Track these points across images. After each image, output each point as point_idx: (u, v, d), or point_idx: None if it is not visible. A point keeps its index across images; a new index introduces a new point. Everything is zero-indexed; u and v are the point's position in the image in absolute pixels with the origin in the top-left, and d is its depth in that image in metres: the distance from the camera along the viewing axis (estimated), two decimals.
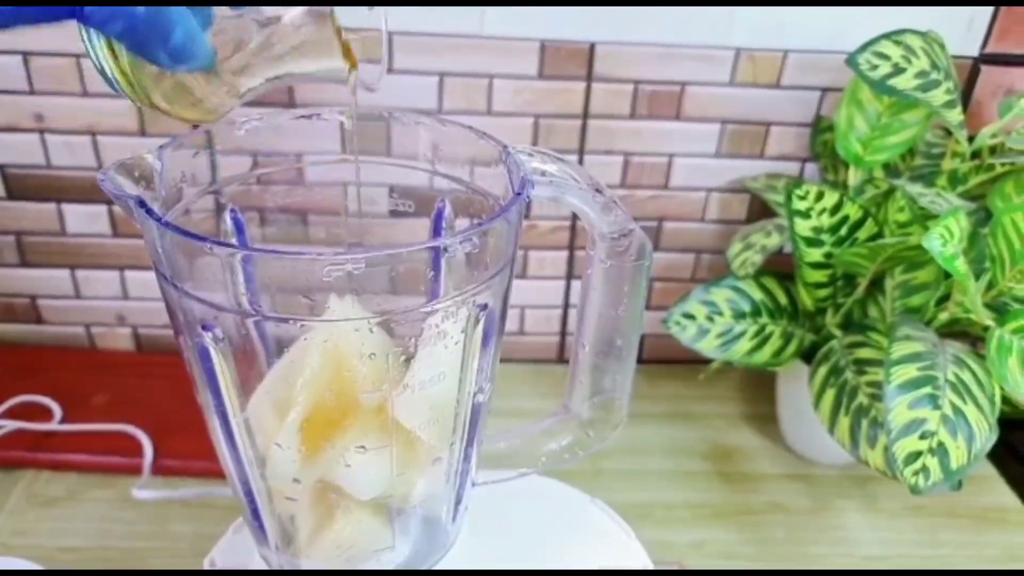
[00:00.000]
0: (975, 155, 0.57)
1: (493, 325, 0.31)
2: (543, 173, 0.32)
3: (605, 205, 0.33)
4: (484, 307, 0.30)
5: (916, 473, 0.45)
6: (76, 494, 0.59)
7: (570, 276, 0.73)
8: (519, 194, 0.29)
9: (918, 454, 0.45)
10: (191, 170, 0.33)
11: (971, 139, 0.56)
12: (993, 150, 0.57)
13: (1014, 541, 0.61)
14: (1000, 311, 0.50)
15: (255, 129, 0.34)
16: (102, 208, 0.67)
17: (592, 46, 0.63)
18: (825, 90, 0.66)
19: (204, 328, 0.28)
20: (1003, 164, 0.52)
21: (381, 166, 0.36)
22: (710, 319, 0.57)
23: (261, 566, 0.37)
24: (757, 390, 0.74)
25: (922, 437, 0.46)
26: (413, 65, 0.62)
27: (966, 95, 0.67)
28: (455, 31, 0.62)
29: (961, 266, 0.44)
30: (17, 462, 0.60)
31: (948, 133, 0.63)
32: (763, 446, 0.69)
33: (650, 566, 0.42)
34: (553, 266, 0.73)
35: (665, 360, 0.75)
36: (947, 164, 0.56)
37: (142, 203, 0.27)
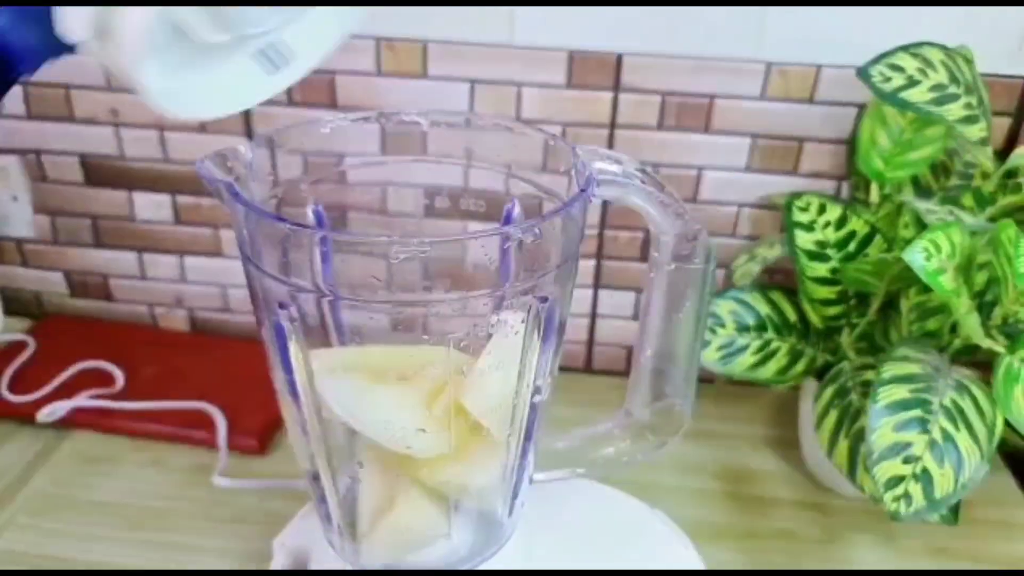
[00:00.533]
0: (1011, 175, 0.54)
1: (553, 320, 0.32)
2: (607, 172, 0.33)
3: (669, 207, 0.34)
4: (544, 300, 0.31)
5: (897, 499, 0.43)
6: (160, 461, 0.64)
7: (597, 286, 0.74)
8: (583, 190, 0.30)
9: (900, 479, 0.43)
10: (278, 164, 0.36)
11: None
12: None
13: None
14: (1013, 337, 0.47)
15: (339, 129, 0.36)
16: (166, 197, 0.74)
17: (619, 57, 0.64)
18: (862, 107, 0.64)
19: (281, 307, 0.30)
20: None
21: (455, 167, 0.38)
22: (712, 331, 0.56)
23: (327, 550, 0.38)
24: (785, 413, 0.72)
25: (905, 461, 0.43)
26: (446, 72, 0.65)
27: (1019, 116, 0.63)
28: (486, 40, 0.64)
29: (947, 283, 0.41)
30: (77, 424, 0.66)
31: (994, 153, 0.60)
32: (782, 471, 0.66)
33: None
34: (581, 275, 0.73)
35: (704, 380, 0.74)
36: (977, 184, 0.54)
37: (231, 188, 0.29)
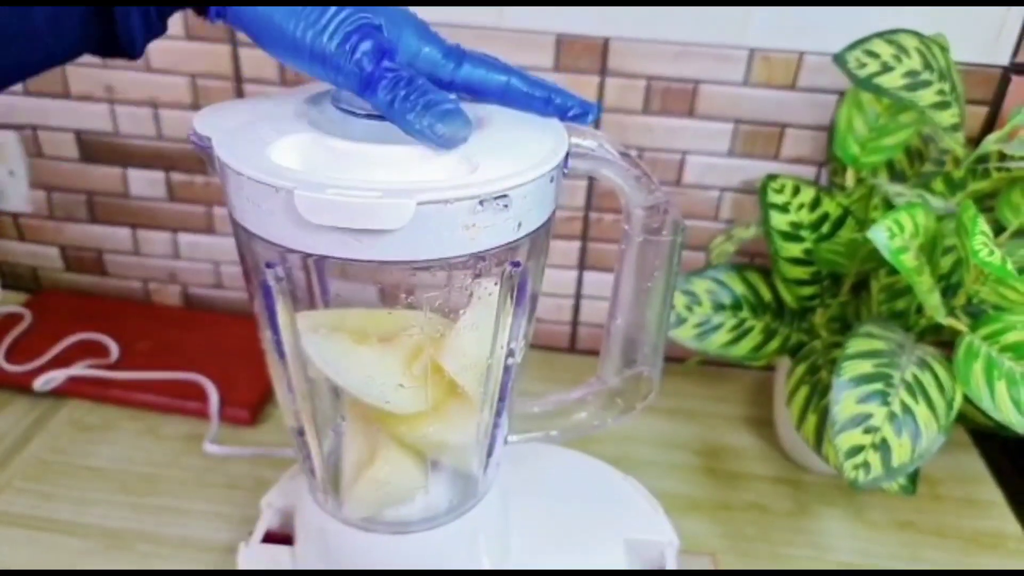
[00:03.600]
0: (982, 161, 0.56)
1: (526, 287, 0.34)
2: (580, 147, 0.34)
3: (640, 180, 0.35)
4: (517, 264, 0.33)
5: (856, 467, 0.45)
6: (153, 430, 0.66)
7: (582, 267, 0.76)
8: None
9: (860, 448, 0.45)
10: None
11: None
12: (1003, 157, 0.55)
13: (1004, 566, 0.58)
14: (976, 317, 0.49)
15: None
16: (160, 174, 0.75)
17: (606, 41, 0.66)
18: (842, 93, 0.65)
19: (268, 266, 0.32)
20: (999, 170, 0.51)
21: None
22: (688, 308, 0.58)
23: (311, 508, 0.40)
24: (763, 394, 0.74)
25: (866, 432, 0.45)
26: None
27: (995, 105, 0.65)
28: (475, 23, 0.65)
29: (908, 261, 0.43)
30: (73, 393, 0.68)
31: (969, 140, 0.62)
32: (757, 448, 0.68)
33: (676, 543, 0.43)
34: (565, 256, 0.75)
35: (678, 359, 0.76)
36: (949, 169, 0.55)
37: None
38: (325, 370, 0.33)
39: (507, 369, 0.35)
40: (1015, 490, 0.64)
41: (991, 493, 0.65)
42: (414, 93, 0.29)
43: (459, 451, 0.37)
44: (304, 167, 0.29)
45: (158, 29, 0.32)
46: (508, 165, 0.30)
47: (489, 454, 0.38)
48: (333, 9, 0.29)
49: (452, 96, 0.30)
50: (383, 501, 0.37)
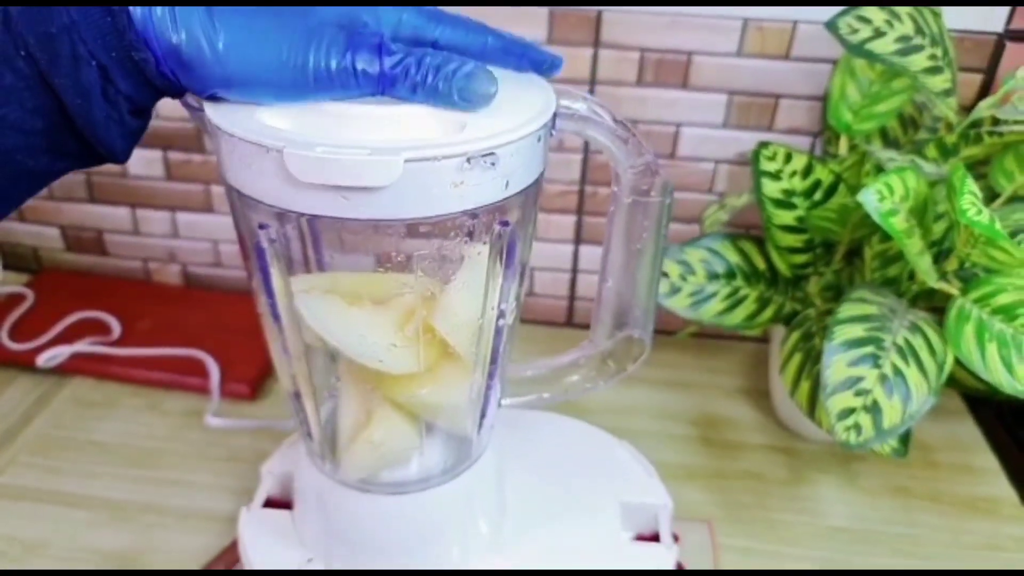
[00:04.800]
0: (976, 127, 0.56)
1: (515, 246, 0.34)
2: (571, 108, 0.34)
3: (627, 141, 0.36)
4: (506, 224, 0.33)
5: (848, 429, 0.46)
6: (155, 406, 0.67)
7: (578, 241, 0.76)
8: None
9: (851, 410, 0.46)
10: None
11: None
12: (996, 123, 0.56)
13: (999, 531, 0.58)
14: (967, 281, 0.49)
15: None
16: (157, 153, 0.76)
17: (599, 13, 0.66)
18: (837, 63, 0.65)
19: (261, 227, 0.32)
20: (991, 134, 0.51)
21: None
22: (683, 278, 0.58)
23: (310, 472, 0.40)
24: (760, 366, 0.74)
25: (857, 394, 0.46)
26: None
27: (990, 72, 0.65)
28: None
29: (898, 224, 0.43)
30: (76, 371, 0.69)
31: (965, 108, 0.62)
32: (753, 418, 0.69)
33: (670, 505, 0.44)
34: (561, 230, 0.75)
35: (671, 332, 0.76)
36: (941, 135, 0.55)
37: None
38: (319, 331, 0.34)
39: (498, 331, 0.36)
40: (1011, 457, 0.65)
41: (986, 460, 0.65)
42: (429, 72, 0.30)
43: (453, 412, 0.37)
44: (294, 129, 0.30)
45: (132, 124, 0.31)
46: (496, 124, 0.30)
47: (483, 416, 0.38)
48: (312, 51, 0.29)
49: (460, 58, 0.30)
50: (379, 463, 0.38)
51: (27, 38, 0.28)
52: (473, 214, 0.31)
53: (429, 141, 0.29)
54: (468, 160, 0.29)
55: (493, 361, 0.36)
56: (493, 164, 0.30)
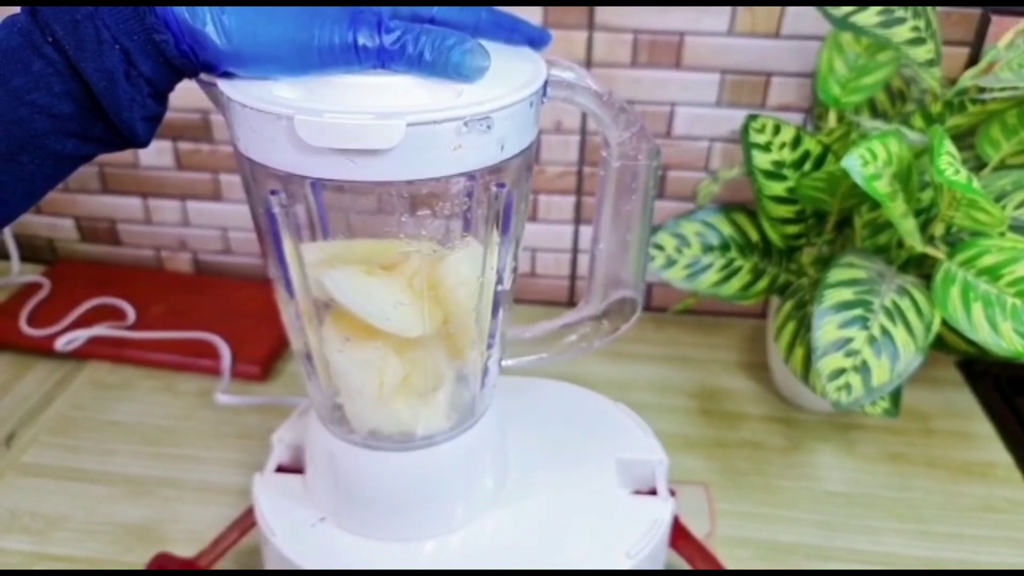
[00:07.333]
0: (961, 96, 0.57)
1: (511, 209, 0.36)
2: (560, 78, 0.36)
3: (613, 106, 0.37)
4: (503, 186, 0.35)
5: (839, 389, 0.47)
6: (169, 387, 0.69)
7: (578, 221, 0.78)
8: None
9: (842, 371, 0.47)
10: None
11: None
12: (981, 92, 0.57)
13: (993, 494, 0.60)
14: (953, 245, 0.51)
15: None
16: (168, 143, 0.78)
17: None
18: (825, 39, 0.67)
19: (272, 193, 0.34)
20: (974, 102, 0.52)
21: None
22: (678, 251, 0.60)
23: (320, 435, 0.42)
24: (758, 341, 0.76)
25: (847, 355, 0.47)
26: None
27: (976, 45, 0.66)
28: None
29: (882, 187, 0.45)
30: (93, 355, 0.71)
31: (952, 82, 0.63)
32: (752, 390, 0.71)
33: (665, 461, 0.46)
34: (561, 210, 0.77)
35: (665, 309, 0.78)
36: (928, 105, 0.57)
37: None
38: (329, 288, 0.36)
39: (497, 295, 0.38)
40: (1006, 424, 0.66)
41: (982, 426, 0.67)
42: (426, 48, 0.31)
43: (456, 370, 0.39)
44: (303, 98, 0.31)
45: (152, 109, 0.32)
46: (491, 90, 0.32)
47: (485, 373, 0.40)
48: (317, 28, 0.31)
49: (457, 34, 0.32)
50: (386, 421, 0.39)
51: (53, 26, 0.30)
52: (471, 176, 0.33)
53: (429, 106, 0.31)
54: (466, 124, 0.31)
55: (494, 315, 0.38)
56: (489, 127, 0.32)
